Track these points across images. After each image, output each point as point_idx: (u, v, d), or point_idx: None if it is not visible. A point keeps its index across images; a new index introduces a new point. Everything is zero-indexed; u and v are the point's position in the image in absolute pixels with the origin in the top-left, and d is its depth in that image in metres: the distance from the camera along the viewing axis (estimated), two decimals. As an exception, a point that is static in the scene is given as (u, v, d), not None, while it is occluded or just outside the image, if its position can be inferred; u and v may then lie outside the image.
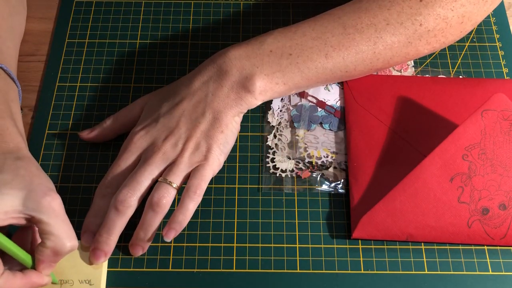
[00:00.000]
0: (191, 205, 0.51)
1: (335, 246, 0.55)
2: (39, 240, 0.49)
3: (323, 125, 0.61)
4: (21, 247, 0.48)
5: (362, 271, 0.54)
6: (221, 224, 0.56)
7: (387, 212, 0.53)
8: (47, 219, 0.46)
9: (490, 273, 0.53)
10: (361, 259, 0.54)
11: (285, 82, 0.55)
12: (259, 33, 0.59)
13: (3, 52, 0.59)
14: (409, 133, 0.58)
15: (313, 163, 0.58)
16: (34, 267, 0.48)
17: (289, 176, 0.58)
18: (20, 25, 0.66)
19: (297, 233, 0.55)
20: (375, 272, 0.53)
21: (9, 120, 0.54)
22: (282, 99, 0.62)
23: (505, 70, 0.65)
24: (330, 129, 0.60)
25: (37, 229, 0.48)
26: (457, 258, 0.54)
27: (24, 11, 0.68)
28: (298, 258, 0.54)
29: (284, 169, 0.58)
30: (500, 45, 0.67)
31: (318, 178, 0.58)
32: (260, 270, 0.54)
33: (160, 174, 0.52)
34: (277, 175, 0.58)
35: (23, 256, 0.48)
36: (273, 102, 0.62)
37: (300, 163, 0.59)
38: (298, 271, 0.54)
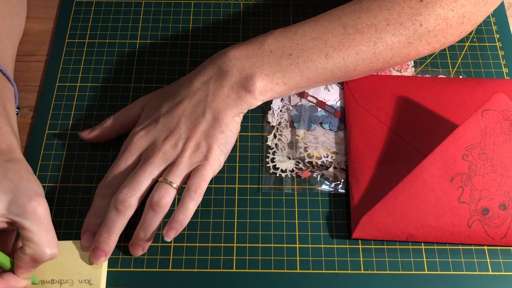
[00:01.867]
0: (192, 204, 0.51)
1: (335, 246, 0.55)
2: (20, 244, 0.48)
3: (323, 125, 0.61)
4: (2, 248, 0.48)
5: (362, 271, 0.54)
6: (221, 224, 0.56)
7: (387, 212, 0.53)
8: (30, 226, 0.45)
9: (490, 273, 0.53)
10: (361, 259, 0.54)
11: (285, 82, 0.55)
12: (259, 33, 0.59)
13: (0, 52, 0.59)
14: (409, 133, 0.58)
15: (313, 163, 0.58)
16: (12, 269, 0.48)
17: (289, 176, 0.58)
18: (19, 25, 0.66)
19: (297, 233, 0.55)
20: (375, 272, 0.53)
21: (3, 119, 0.53)
22: (282, 99, 0.62)
23: (505, 70, 0.65)
24: (330, 129, 0.60)
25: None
26: (457, 258, 0.54)
27: (24, 11, 0.68)
28: (298, 258, 0.54)
29: (284, 169, 0.58)
30: (500, 45, 0.67)
31: (318, 178, 0.58)
32: (260, 270, 0.54)
33: (160, 174, 0.52)
34: (277, 175, 0.58)
35: (1, 259, 0.47)
36: (273, 102, 0.62)
37: (300, 163, 0.59)
38: (298, 271, 0.54)
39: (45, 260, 0.47)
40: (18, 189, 0.47)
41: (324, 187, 0.58)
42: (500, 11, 0.70)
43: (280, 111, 0.62)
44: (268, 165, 0.59)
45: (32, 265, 0.47)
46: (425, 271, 0.54)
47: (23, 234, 0.46)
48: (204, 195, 0.53)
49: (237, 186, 0.58)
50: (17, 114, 0.61)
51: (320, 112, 0.61)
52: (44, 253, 0.46)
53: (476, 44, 0.67)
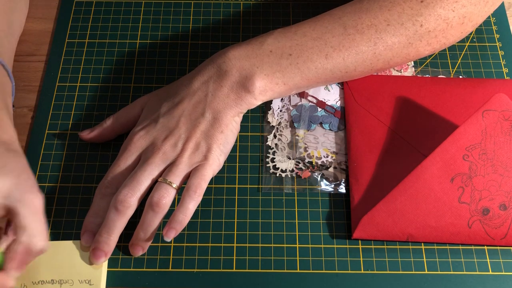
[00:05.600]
0: (191, 204, 0.51)
1: (335, 246, 0.55)
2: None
3: (323, 125, 0.61)
4: None
5: (362, 271, 0.54)
6: (221, 224, 0.56)
7: (387, 212, 0.53)
8: (26, 213, 0.46)
9: (490, 273, 0.53)
10: (361, 259, 0.54)
11: (285, 82, 0.55)
12: (259, 33, 0.59)
13: (2, 46, 0.59)
14: (409, 133, 0.58)
15: (313, 163, 0.58)
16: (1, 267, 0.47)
17: (289, 176, 0.58)
18: (20, 22, 0.66)
19: (297, 233, 0.55)
20: (375, 272, 0.53)
21: (5, 111, 0.54)
22: (282, 99, 0.62)
23: (505, 70, 0.65)
24: (330, 129, 0.60)
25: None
26: (457, 258, 0.54)
27: (25, 9, 0.68)
28: (298, 258, 0.54)
29: (284, 169, 0.58)
30: (500, 45, 0.67)
31: (318, 178, 0.58)
32: (260, 270, 0.54)
33: (160, 174, 0.52)
34: (277, 175, 0.58)
35: None
36: (273, 102, 0.62)
37: (300, 163, 0.59)
38: (298, 271, 0.54)
39: (36, 251, 0.47)
40: (19, 179, 0.47)
41: (324, 187, 0.58)
42: (500, 11, 0.70)
43: (280, 111, 0.62)
44: (268, 165, 0.59)
45: (24, 257, 0.47)
46: (425, 271, 0.54)
47: (18, 222, 0.46)
48: (204, 195, 0.53)
49: (237, 186, 0.58)
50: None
51: (320, 112, 0.61)
52: (36, 243, 0.46)
53: (476, 44, 0.67)
